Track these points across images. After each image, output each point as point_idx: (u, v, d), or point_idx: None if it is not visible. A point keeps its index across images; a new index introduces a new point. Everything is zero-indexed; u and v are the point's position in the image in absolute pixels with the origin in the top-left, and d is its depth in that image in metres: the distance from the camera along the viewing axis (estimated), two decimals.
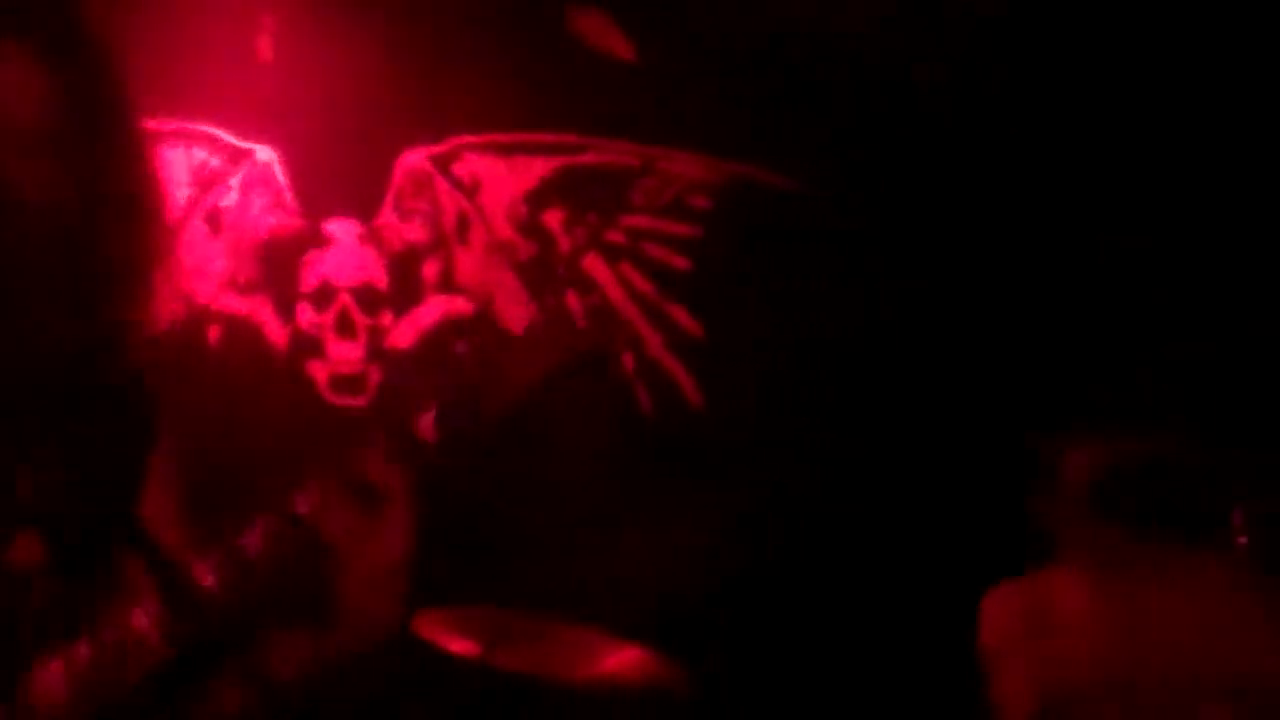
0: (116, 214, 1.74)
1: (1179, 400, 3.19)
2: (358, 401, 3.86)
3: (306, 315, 3.88)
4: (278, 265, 3.88)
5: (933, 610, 3.27)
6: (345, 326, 3.87)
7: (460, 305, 3.89)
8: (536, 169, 3.88)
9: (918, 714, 3.43)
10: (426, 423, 1.75)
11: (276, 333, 3.88)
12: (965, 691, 2.93)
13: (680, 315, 3.87)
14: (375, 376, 3.87)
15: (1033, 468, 3.03)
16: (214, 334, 3.86)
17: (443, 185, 3.89)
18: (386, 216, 3.89)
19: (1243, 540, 3.10)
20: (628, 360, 3.85)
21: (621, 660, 3.19)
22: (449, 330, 3.87)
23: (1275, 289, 3.57)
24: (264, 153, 3.87)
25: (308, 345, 3.88)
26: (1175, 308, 3.68)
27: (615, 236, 3.89)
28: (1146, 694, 2.92)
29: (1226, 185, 3.65)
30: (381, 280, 3.89)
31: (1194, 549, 3.02)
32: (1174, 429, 3.06)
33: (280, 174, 3.87)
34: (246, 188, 3.87)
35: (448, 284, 3.89)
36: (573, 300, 3.89)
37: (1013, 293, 3.73)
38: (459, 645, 3.10)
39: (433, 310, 3.89)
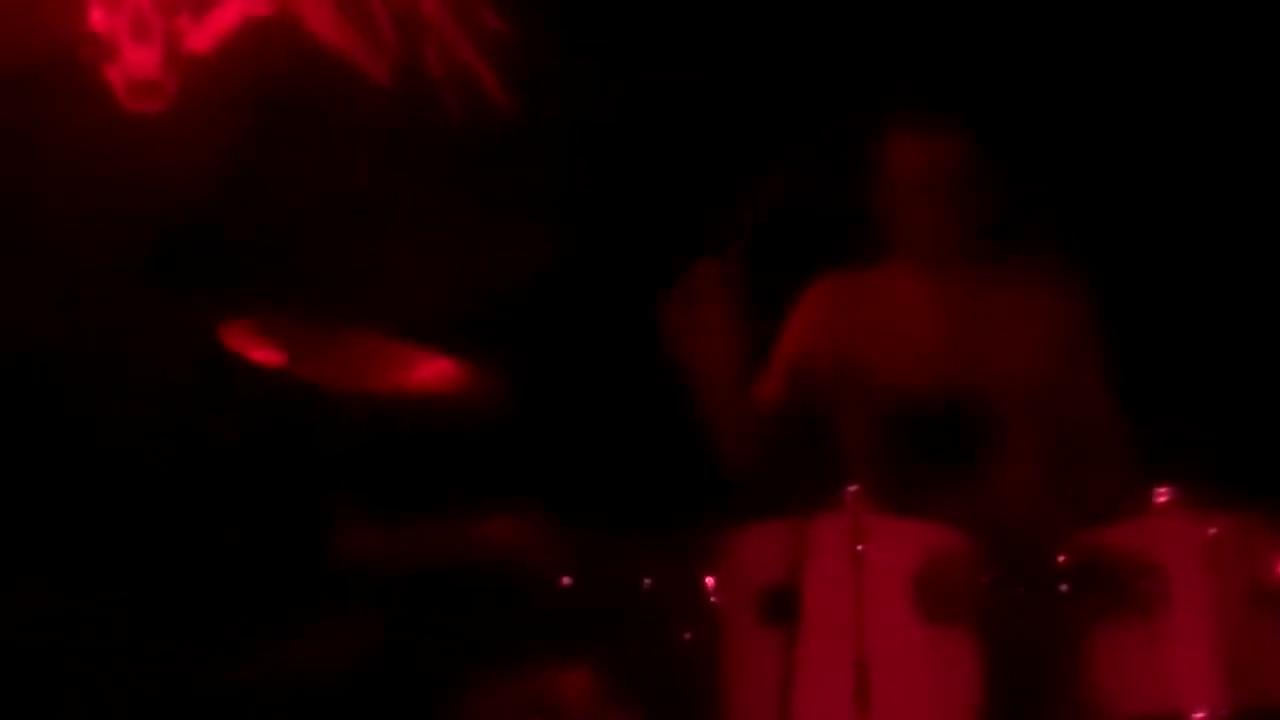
0: None
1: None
2: (156, 108, 3.69)
3: (99, 18, 3.68)
4: None
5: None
6: (140, 29, 3.69)
7: (259, 6, 3.73)
8: None
9: None
10: None
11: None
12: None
13: (488, 15, 3.76)
14: (173, 83, 3.70)
15: (860, 158, 3.02)
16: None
17: None
18: None
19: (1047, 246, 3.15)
20: (435, 64, 3.74)
21: (432, 371, 3.15)
22: (251, 34, 3.71)
23: None
24: None
25: (102, 50, 3.69)
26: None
27: None
28: (968, 390, 2.96)
29: None
30: None
31: (1009, 251, 3.06)
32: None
33: None
34: None
35: None
36: (376, 3, 3.75)
37: None
38: (264, 355, 3.04)
39: (231, 11, 3.72)
